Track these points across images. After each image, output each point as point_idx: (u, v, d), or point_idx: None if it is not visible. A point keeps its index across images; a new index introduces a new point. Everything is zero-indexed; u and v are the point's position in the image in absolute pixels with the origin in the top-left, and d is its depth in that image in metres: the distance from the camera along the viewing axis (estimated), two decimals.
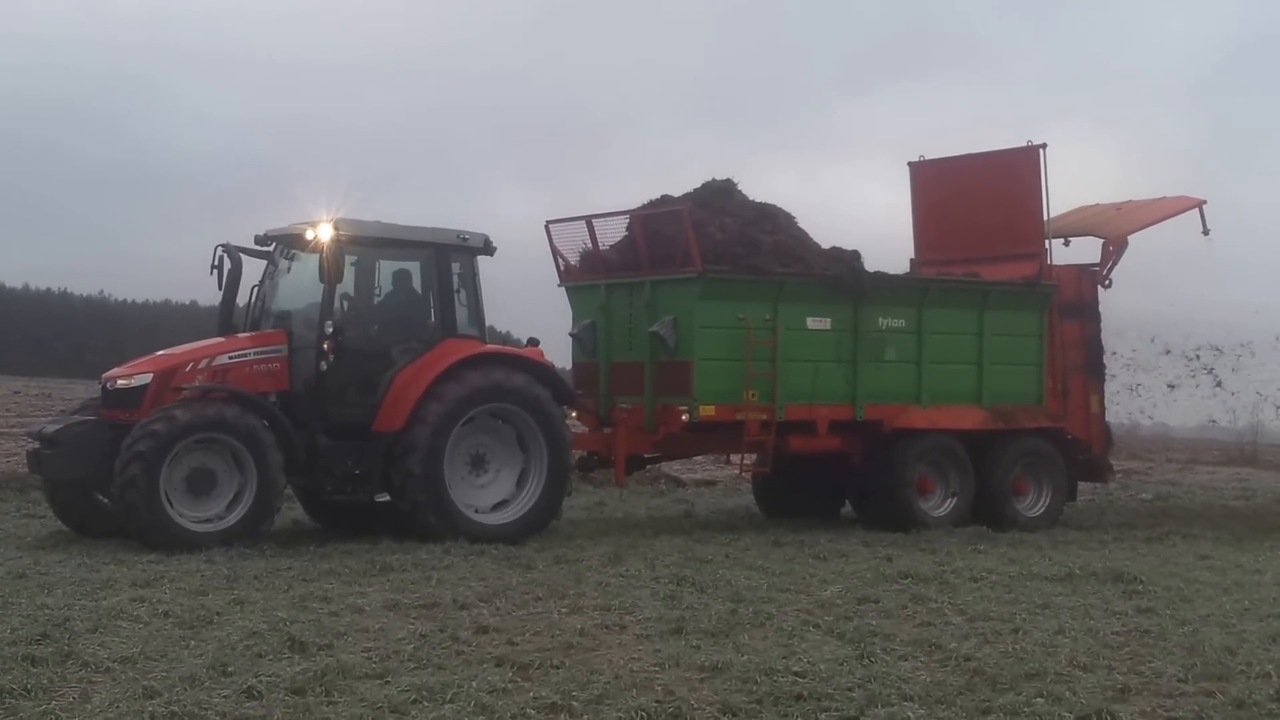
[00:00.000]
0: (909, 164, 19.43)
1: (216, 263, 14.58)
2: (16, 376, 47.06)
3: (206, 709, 7.06)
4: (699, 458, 21.95)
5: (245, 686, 7.46)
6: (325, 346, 13.90)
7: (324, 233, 13.96)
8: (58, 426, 13.86)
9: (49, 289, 75.89)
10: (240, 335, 14.49)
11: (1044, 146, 17.42)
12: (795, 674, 8.15)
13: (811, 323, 16.22)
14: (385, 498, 14.34)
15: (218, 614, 9.60)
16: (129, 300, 75.22)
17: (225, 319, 14.87)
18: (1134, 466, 28.13)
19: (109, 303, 74.82)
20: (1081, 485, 18.62)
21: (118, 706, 7.07)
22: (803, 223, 16.88)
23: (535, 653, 8.57)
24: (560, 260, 17.25)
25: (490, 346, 14.92)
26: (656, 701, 7.37)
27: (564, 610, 10.08)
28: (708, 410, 15.67)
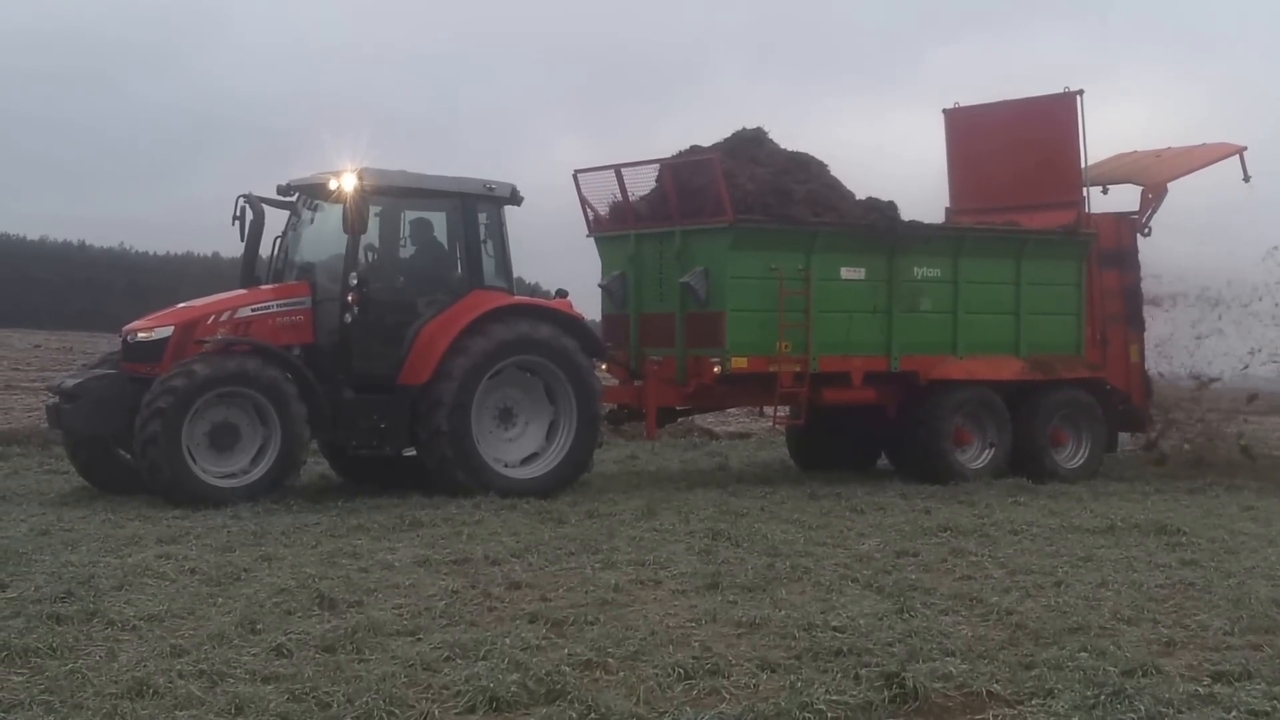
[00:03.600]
0: (943, 111, 19.18)
1: (239, 213, 14.44)
2: (37, 330, 47.06)
3: (235, 667, 6.90)
4: (732, 410, 21.77)
5: (275, 644, 7.34)
6: (350, 298, 13.68)
7: (348, 183, 13.71)
8: (77, 380, 13.73)
9: (67, 240, 75.68)
10: (264, 287, 14.32)
11: (1081, 93, 17.13)
12: (834, 629, 7.99)
13: (845, 273, 16.01)
14: (413, 452, 14.18)
15: (245, 571, 9.47)
16: (150, 252, 74.74)
17: (248, 271, 14.65)
18: (1174, 417, 27.73)
19: (129, 254, 74.53)
20: (1121, 437, 18.38)
21: (145, 665, 6.90)
22: (853, 169, 16.85)
23: (569, 609, 8.42)
24: (589, 210, 17.01)
25: (518, 298, 14.72)
26: (694, 658, 7.19)
27: (597, 565, 9.95)
28: (740, 362, 15.48)
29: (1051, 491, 15.21)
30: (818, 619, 8.20)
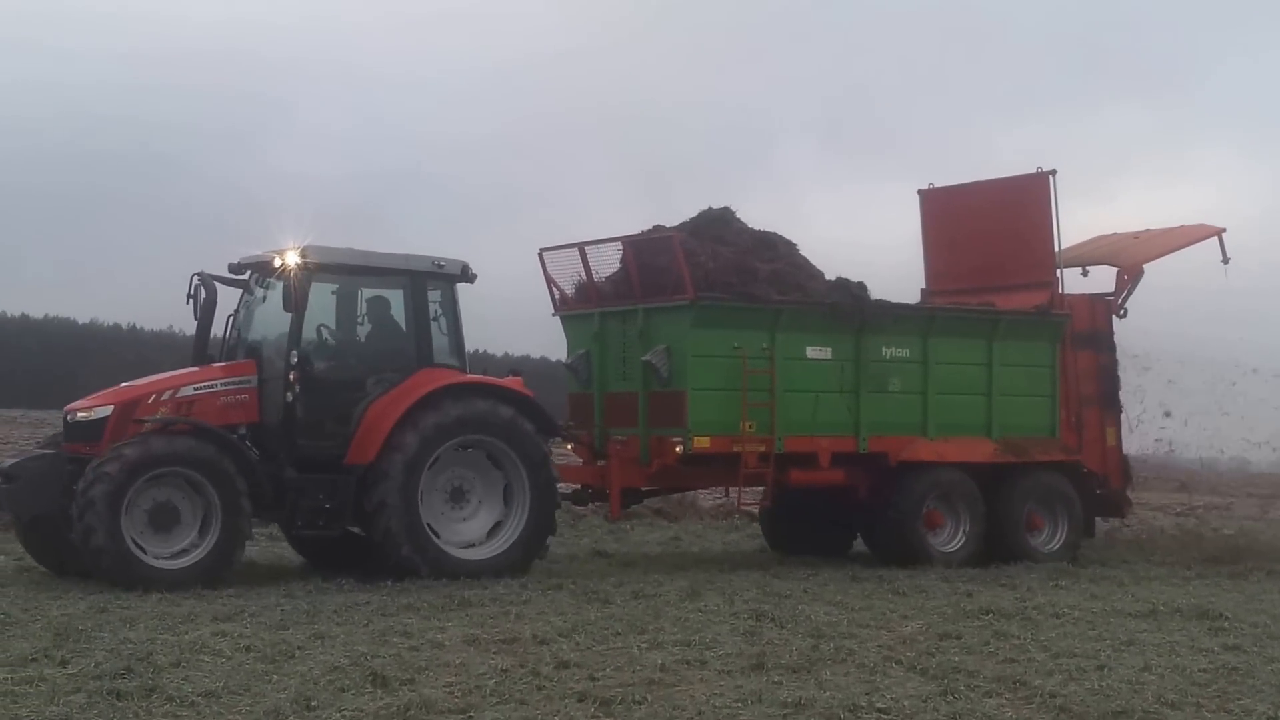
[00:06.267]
0: (919, 192, 19.12)
1: (192, 292, 14.26)
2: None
3: None
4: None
5: None
6: (290, 377, 13.52)
7: (290, 260, 13.61)
8: (15, 461, 13.64)
9: (117, 323, 76.49)
10: (212, 366, 14.12)
11: (1054, 172, 17.14)
12: (879, 710, 8.04)
13: (811, 352, 15.81)
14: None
15: (299, 648, 9.62)
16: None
17: (200, 349, 14.41)
18: (1214, 501, 27.68)
19: (178, 337, 75.03)
20: (1166, 519, 18.28)
21: None
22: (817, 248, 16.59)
23: (617, 688, 8.47)
24: (555, 289, 16.85)
25: (468, 376, 14.44)
26: None
27: (644, 645, 10.02)
28: (702, 442, 15.23)
29: (1093, 575, 15.22)
30: (862, 700, 8.23)
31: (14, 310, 75.42)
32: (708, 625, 11.03)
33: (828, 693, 8.48)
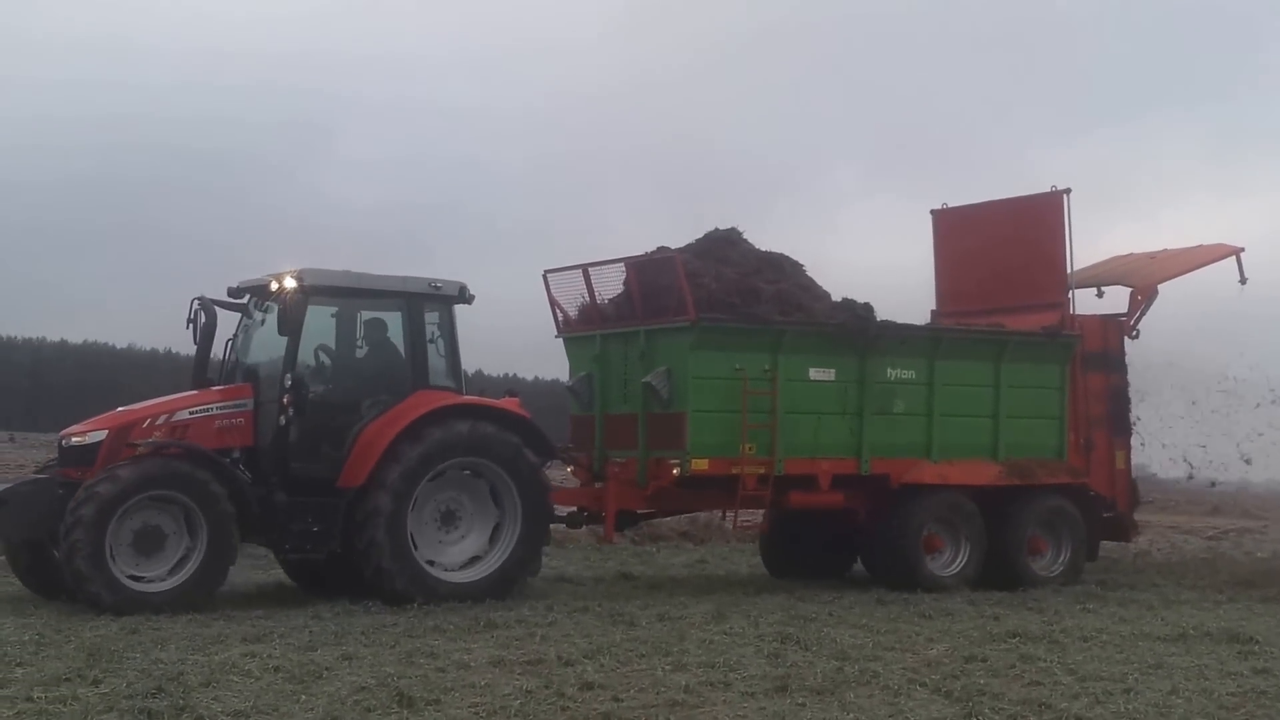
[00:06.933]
0: (931, 212, 18.96)
1: (192, 316, 14.26)
2: None
3: None
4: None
5: None
6: (284, 400, 13.48)
7: (286, 284, 13.61)
8: (7, 485, 13.67)
9: (154, 348, 77.10)
10: (210, 389, 14.07)
11: (1068, 192, 16.98)
12: None
13: (814, 373, 15.63)
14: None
15: (327, 669, 9.70)
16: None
17: (200, 372, 14.36)
18: (1248, 525, 27.57)
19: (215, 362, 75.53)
20: (1197, 543, 18.17)
21: None
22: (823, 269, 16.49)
23: (640, 709, 8.53)
24: (558, 311, 16.78)
25: (463, 398, 14.35)
26: None
27: (668, 667, 10.04)
28: (700, 464, 15.08)
29: (1122, 599, 15.14)
30: None
31: (53, 336, 76.40)
32: (732, 647, 11.03)
33: (851, 715, 8.49)
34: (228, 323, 14.65)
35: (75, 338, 78.80)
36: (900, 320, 16.41)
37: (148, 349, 76.56)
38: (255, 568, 15.64)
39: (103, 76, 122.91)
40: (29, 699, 8.57)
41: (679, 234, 16.76)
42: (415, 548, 13.65)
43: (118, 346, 77.67)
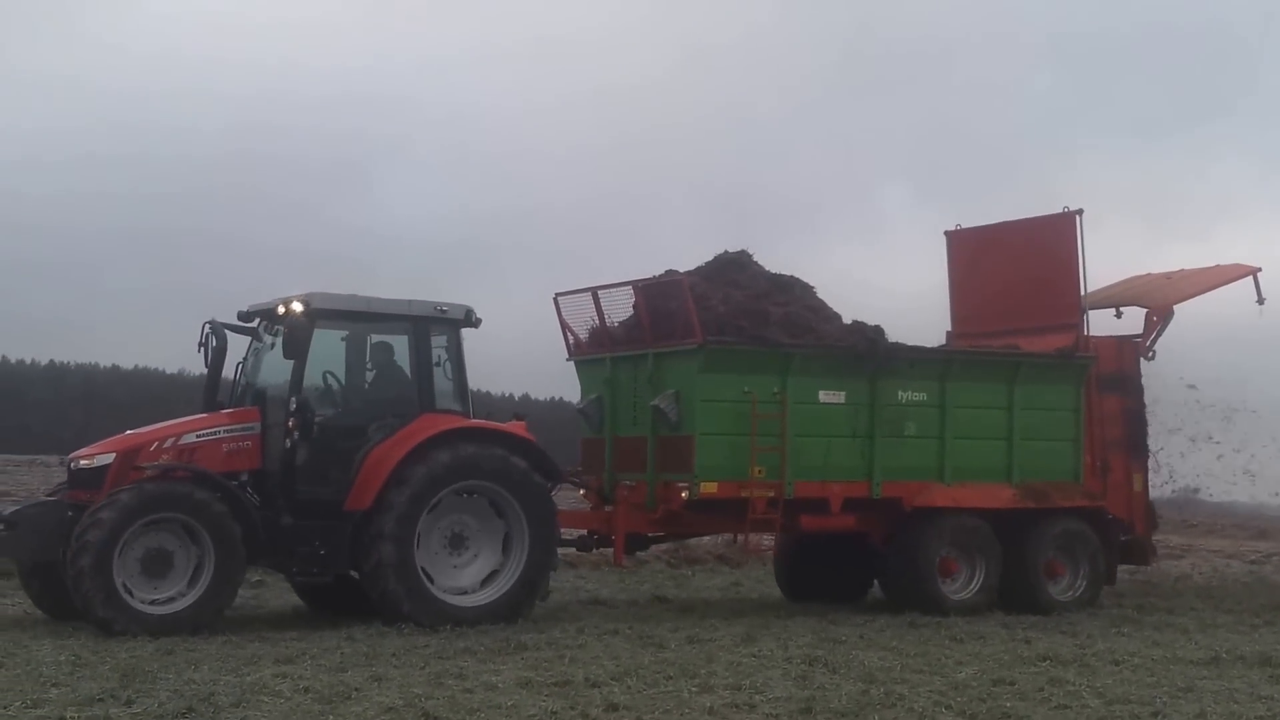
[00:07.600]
0: (945, 233, 18.87)
1: (203, 340, 14.33)
2: None
3: None
4: None
5: None
6: (290, 424, 13.53)
7: (294, 307, 13.67)
8: (15, 508, 13.68)
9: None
10: (219, 413, 14.11)
11: (1080, 212, 16.86)
12: None
13: (824, 396, 15.57)
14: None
15: (356, 690, 9.79)
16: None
17: (210, 396, 14.49)
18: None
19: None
20: (1239, 567, 17.99)
21: None
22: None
23: None
24: (569, 334, 16.81)
25: (469, 421, 14.30)
26: None
27: (694, 689, 10.06)
28: (709, 487, 15.04)
29: (1157, 623, 15.07)
30: None
31: (105, 361, 77.13)
32: (760, 670, 11.04)
33: None
34: (239, 346, 14.72)
35: (126, 363, 79.50)
36: (914, 342, 16.35)
37: (196, 374, 77.06)
38: (291, 590, 15.77)
39: (154, 87, 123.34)
40: (62, 719, 8.70)
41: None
42: (421, 568, 13.61)
43: (167, 371, 78.27)
